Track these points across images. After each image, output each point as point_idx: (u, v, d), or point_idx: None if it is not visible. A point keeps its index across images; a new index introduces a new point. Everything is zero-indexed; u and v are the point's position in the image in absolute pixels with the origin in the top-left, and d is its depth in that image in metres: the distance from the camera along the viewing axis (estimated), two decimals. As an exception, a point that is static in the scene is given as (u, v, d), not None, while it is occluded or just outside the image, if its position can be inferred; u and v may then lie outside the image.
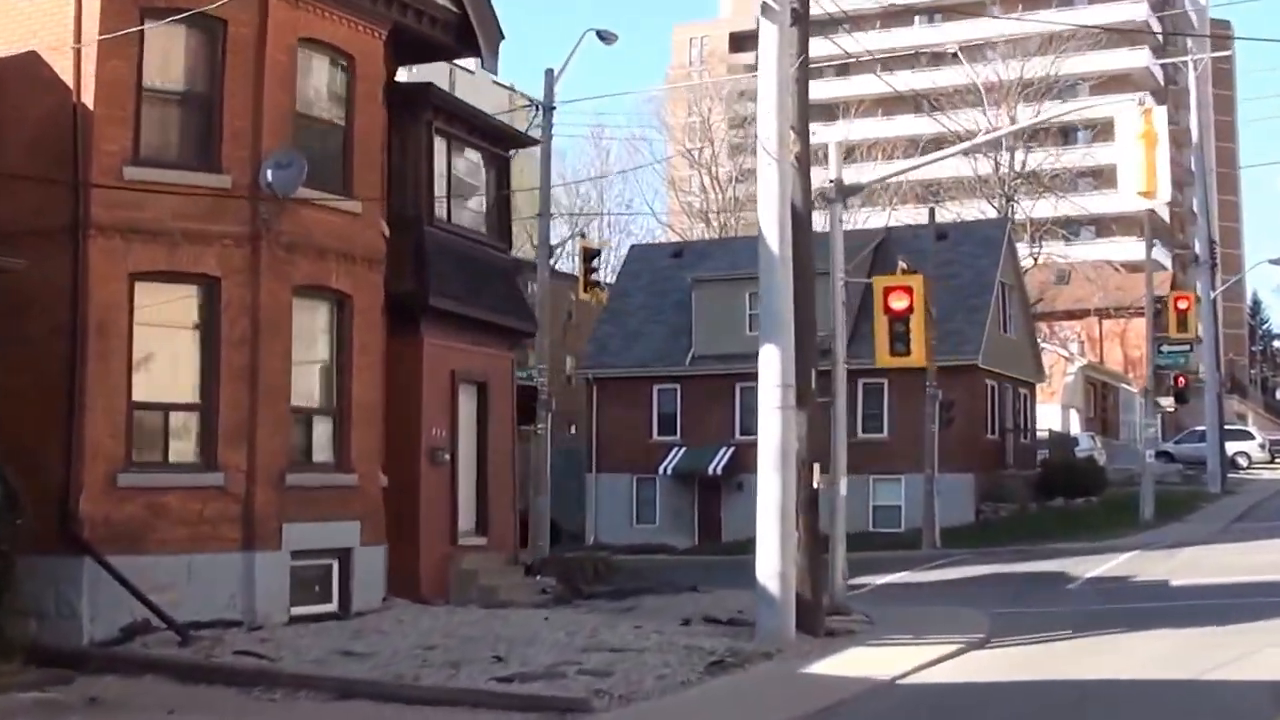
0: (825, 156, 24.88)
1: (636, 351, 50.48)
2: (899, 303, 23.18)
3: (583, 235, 40.81)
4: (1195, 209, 69.12)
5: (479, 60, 24.06)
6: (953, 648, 18.94)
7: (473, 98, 33.36)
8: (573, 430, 54.44)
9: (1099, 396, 73.58)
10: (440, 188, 24.50)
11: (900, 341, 23.24)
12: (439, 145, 24.44)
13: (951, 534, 41.35)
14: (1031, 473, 50.51)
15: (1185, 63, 65.91)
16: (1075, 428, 65.36)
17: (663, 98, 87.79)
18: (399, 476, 22.70)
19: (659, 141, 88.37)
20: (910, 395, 42.70)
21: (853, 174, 77.25)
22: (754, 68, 20.45)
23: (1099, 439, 64.27)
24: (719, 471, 47.10)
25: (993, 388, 48.88)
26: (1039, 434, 55.43)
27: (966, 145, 24.86)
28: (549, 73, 36.03)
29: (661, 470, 48.65)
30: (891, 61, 78.87)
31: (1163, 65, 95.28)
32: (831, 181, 23.61)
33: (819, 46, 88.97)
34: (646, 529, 48.73)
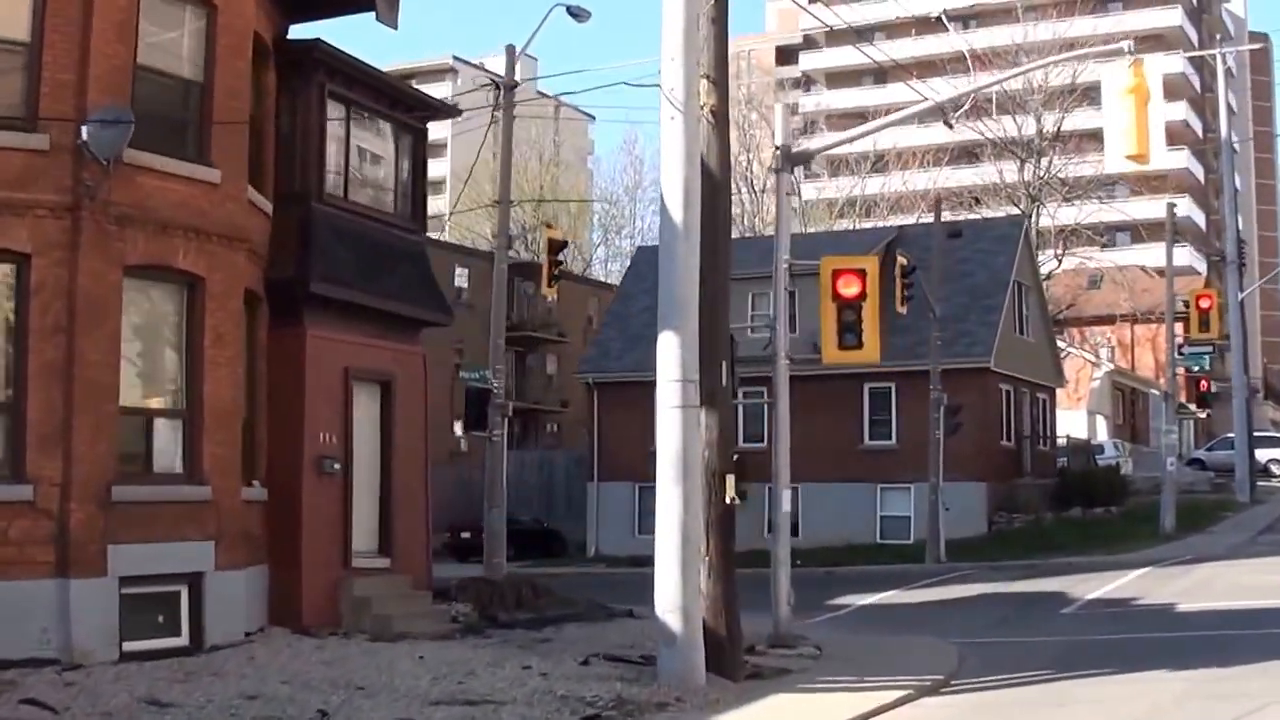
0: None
1: (637, 355, 47.69)
2: (849, 289, 20.05)
3: (549, 225, 37.57)
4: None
5: (374, 14, 21.00)
6: (899, 693, 16.03)
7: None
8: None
9: (1128, 403, 71.44)
10: (337, 160, 21.49)
11: (851, 332, 20.13)
12: (335, 112, 21.36)
13: (961, 546, 38.95)
14: (1050, 481, 47.70)
15: (1216, 60, 62.73)
16: (1102, 434, 62.82)
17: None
18: (279, 489, 19.85)
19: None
20: (920, 400, 40.22)
21: (878, 183, 74.79)
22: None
23: (1125, 446, 61.94)
24: (720, 480, 44.09)
25: (1008, 392, 46.04)
26: (1059, 441, 52.38)
27: (930, 104, 21.62)
28: (510, 49, 33.23)
29: (664, 479, 45.68)
30: (925, 70, 76.00)
31: (1197, 68, 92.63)
32: (779, 149, 20.56)
33: (849, 56, 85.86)
34: (650, 539, 45.72)
